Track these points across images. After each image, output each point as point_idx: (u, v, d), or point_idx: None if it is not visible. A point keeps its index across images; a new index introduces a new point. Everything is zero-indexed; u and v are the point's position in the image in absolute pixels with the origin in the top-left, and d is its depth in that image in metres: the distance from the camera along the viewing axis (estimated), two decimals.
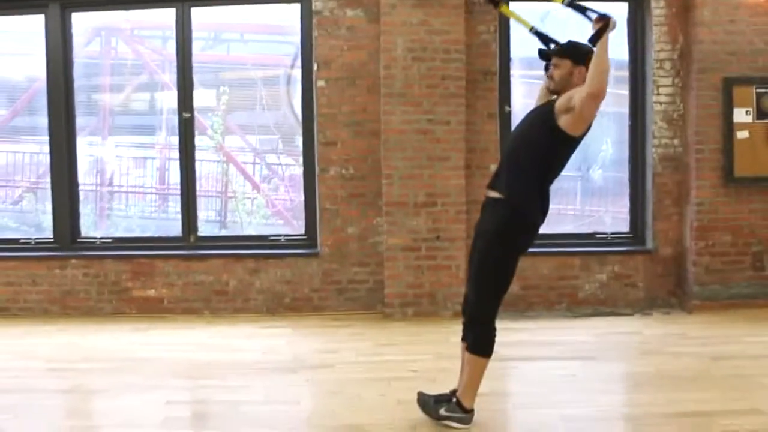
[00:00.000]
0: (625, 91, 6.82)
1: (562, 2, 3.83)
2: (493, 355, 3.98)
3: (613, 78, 6.67)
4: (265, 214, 7.77)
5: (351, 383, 4.72)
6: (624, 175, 6.92)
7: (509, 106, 6.65)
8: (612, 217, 7.47)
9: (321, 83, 6.50)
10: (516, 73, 6.83)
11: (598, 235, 6.84)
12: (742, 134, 6.28)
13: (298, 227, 6.94)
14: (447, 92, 6.33)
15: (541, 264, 6.57)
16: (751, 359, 5.14)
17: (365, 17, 6.44)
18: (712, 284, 6.39)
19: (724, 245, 6.36)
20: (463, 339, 4.08)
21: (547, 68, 4.01)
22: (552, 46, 4.08)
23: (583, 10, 3.78)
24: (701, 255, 6.36)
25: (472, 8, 6.37)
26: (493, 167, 6.30)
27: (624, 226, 6.89)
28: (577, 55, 3.86)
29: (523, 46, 6.40)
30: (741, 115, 6.27)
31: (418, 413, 4.04)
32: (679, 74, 6.50)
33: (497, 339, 3.98)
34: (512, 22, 6.36)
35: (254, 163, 8.19)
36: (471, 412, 3.98)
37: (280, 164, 8.01)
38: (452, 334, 4.85)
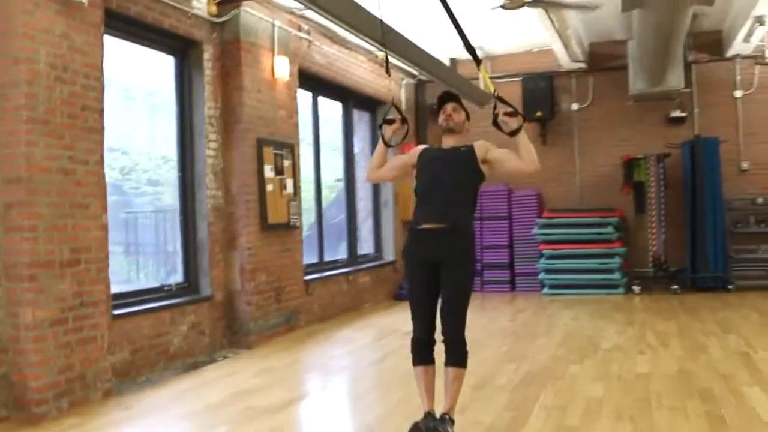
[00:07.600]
0: None
1: (494, 94, 4.43)
2: None
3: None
4: None
5: None
6: None
7: None
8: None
9: None
10: None
11: (165, 288, 6.53)
12: (269, 187, 7.27)
13: None
14: (86, 125, 5.20)
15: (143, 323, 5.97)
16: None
17: None
18: (260, 319, 7.11)
19: (263, 284, 7.18)
20: (426, 362, 4.31)
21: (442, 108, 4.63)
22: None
23: (502, 102, 4.29)
24: (253, 294, 7.01)
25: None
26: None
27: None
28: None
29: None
30: (268, 171, 7.27)
31: None
32: (224, 131, 7.01)
33: None
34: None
35: None
36: None
37: None
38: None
